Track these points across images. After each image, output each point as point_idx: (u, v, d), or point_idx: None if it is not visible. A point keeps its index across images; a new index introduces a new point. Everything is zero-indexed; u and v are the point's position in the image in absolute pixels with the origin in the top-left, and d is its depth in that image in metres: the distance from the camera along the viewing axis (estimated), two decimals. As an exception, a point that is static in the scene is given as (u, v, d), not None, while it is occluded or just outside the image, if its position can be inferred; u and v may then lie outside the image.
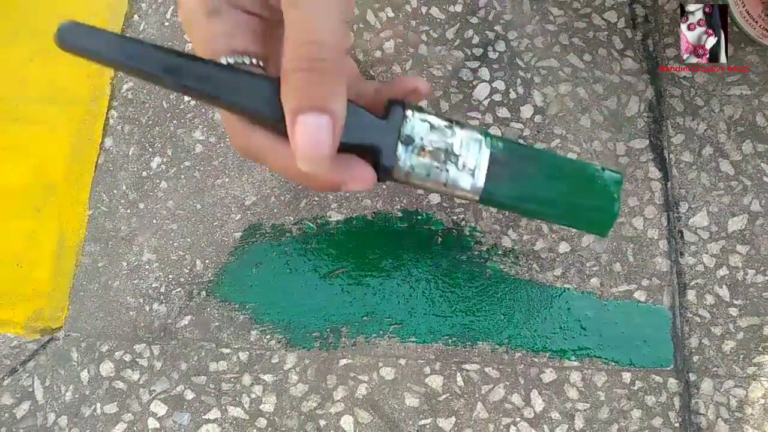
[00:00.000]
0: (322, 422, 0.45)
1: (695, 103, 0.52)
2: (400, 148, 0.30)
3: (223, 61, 0.26)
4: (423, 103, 0.49)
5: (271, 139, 0.27)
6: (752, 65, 0.52)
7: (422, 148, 0.30)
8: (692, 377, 0.45)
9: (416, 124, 0.30)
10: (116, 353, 0.47)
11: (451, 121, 0.32)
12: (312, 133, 0.25)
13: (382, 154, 0.29)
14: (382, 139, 0.29)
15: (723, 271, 0.48)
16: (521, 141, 0.50)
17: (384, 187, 0.50)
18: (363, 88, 0.31)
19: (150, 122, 0.53)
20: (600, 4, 0.55)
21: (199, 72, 0.25)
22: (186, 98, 0.54)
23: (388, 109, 0.29)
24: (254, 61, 0.27)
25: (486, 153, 0.33)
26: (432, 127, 0.31)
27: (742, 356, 0.46)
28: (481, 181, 0.32)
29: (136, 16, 0.57)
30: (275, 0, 0.26)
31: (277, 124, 0.27)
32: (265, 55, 0.27)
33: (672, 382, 0.45)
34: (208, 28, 0.26)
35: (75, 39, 0.24)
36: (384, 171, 0.29)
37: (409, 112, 0.30)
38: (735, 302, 0.47)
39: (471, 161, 0.32)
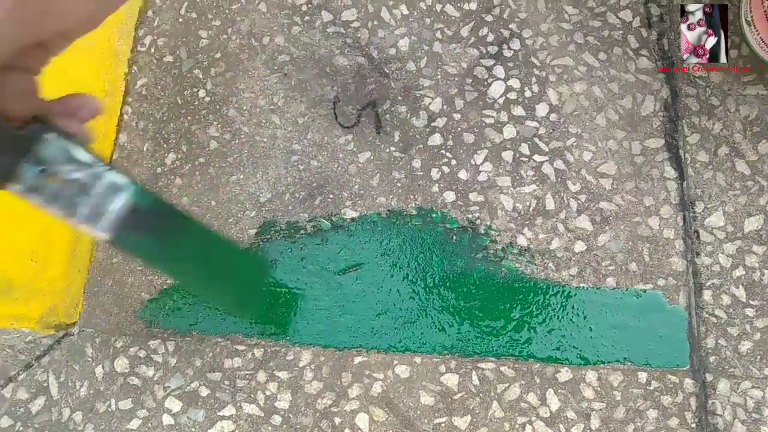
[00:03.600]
0: (337, 420, 0.44)
1: (711, 103, 0.52)
2: (26, 165, 0.29)
3: None
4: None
5: None
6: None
7: (53, 174, 0.30)
8: (709, 378, 0.45)
9: (54, 148, 0.30)
10: (131, 349, 0.47)
11: (103, 163, 0.31)
12: None
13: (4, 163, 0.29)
14: (9, 149, 0.29)
15: (739, 272, 0.48)
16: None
17: (399, 185, 0.50)
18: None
19: (164, 118, 0.53)
20: (615, 3, 0.55)
21: None
22: (200, 94, 0.54)
23: (31, 125, 0.29)
24: None
25: (124, 201, 0.33)
26: (71, 158, 0.31)
27: (758, 357, 0.45)
28: (108, 228, 0.32)
29: (150, 12, 0.57)
30: None
31: None
32: None
33: (688, 382, 0.45)
34: None
35: None
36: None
37: (49, 135, 0.30)
38: (751, 303, 0.47)
39: (108, 207, 0.32)
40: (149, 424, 0.45)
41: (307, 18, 0.56)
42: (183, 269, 0.38)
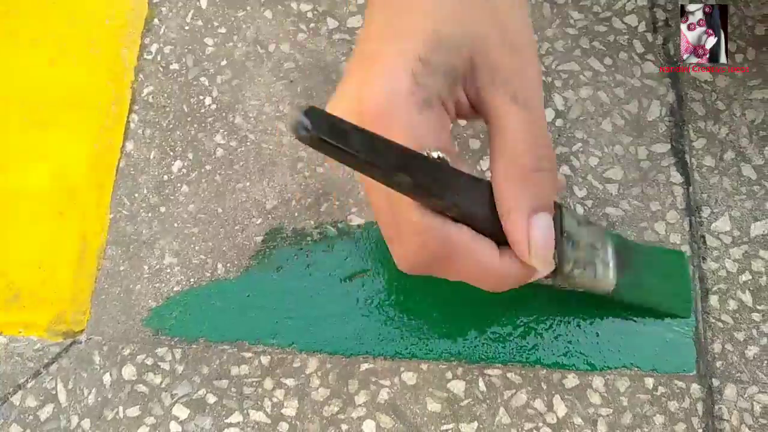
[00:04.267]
0: (344, 426, 0.45)
1: (717, 107, 0.52)
2: (564, 243, 0.30)
3: (429, 154, 0.25)
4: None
5: (473, 236, 0.27)
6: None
7: (578, 243, 0.31)
8: (715, 383, 0.45)
9: (569, 220, 0.31)
10: (138, 357, 0.47)
11: (587, 218, 0.33)
12: (545, 233, 0.26)
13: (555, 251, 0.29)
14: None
15: (746, 276, 0.47)
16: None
17: (404, 191, 0.50)
18: None
19: (171, 126, 0.53)
20: (620, 8, 0.55)
21: (428, 171, 0.24)
22: (207, 102, 0.54)
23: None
24: (448, 157, 0.26)
25: (611, 247, 0.34)
26: (579, 222, 0.32)
27: (765, 362, 0.45)
28: (614, 274, 0.34)
29: (156, 20, 0.57)
30: (462, 96, 0.27)
31: (485, 224, 0.27)
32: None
33: (695, 387, 0.45)
34: (419, 118, 0.25)
35: (318, 128, 0.21)
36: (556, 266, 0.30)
37: (564, 210, 0.31)
38: (758, 307, 0.47)
39: (607, 256, 0.33)
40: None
41: (312, 25, 0.56)
42: (647, 290, 0.41)
